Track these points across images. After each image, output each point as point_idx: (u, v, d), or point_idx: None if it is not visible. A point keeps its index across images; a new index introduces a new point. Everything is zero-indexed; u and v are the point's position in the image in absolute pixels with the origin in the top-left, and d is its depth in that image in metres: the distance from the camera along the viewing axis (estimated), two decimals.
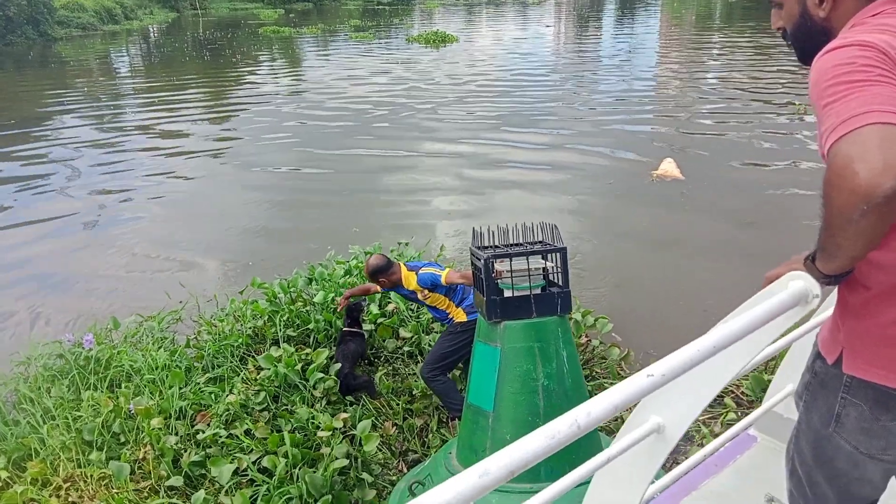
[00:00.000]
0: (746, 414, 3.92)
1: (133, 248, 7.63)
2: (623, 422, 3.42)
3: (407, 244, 5.77)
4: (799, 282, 1.19)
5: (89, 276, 6.93)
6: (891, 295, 1.20)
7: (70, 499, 3.27)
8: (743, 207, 7.67)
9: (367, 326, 4.55)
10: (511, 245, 2.95)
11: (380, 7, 45.34)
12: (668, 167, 9.06)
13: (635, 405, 1.22)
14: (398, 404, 4.02)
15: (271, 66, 23.96)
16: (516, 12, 42.88)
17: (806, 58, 1.32)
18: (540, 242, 2.94)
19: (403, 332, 4.58)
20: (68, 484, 3.35)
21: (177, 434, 3.62)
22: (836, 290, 1.29)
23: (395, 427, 3.82)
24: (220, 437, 3.50)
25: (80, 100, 17.99)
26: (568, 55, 23.27)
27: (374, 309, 4.67)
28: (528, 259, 2.77)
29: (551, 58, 22.50)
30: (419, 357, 4.47)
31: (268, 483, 3.14)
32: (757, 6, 33.38)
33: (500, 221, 2.98)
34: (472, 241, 2.96)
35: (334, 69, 21.29)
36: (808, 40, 1.33)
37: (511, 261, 2.74)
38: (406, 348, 4.55)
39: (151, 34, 38.33)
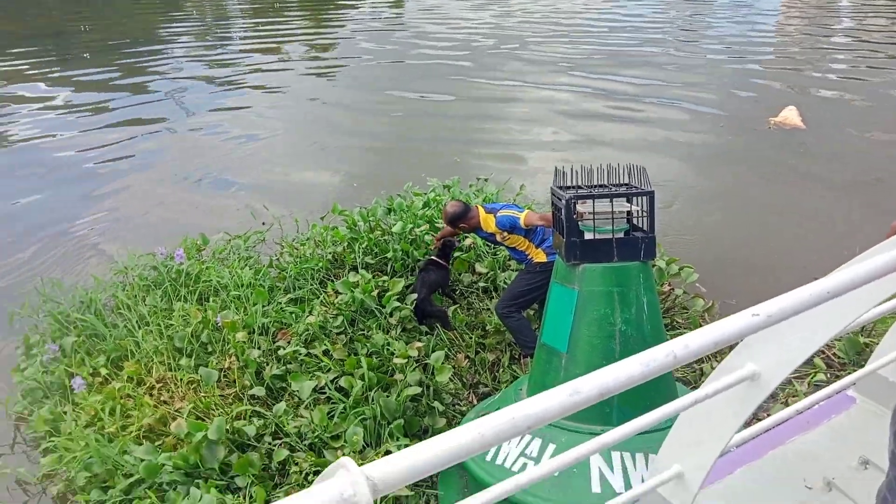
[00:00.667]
0: (837, 376, 3.81)
1: (221, 169, 8.00)
2: (703, 375, 3.38)
3: (486, 180, 5.74)
4: None
5: (179, 195, 7.35)
6: None
7: (161, 398, 3.57)
8: (861, 169, 7.14)
9: None
10: (595, 186, 2.89)
11: None
12: (790, 114, 8.54)
13: (733, 346, 1.18)
14: (471, 338, 4.11)
15: None
16: None
17: None
18: (626, 185, 2.88)
19: (479, 268, 4.63)
20: (160, 385, 3.65)
21: (259, 348, 3.85)
22: None
23: (467, 360, 3.93)
24: (300, 354, 3.71)
25: (189, 21, 18.76)
26: None
27: None
28: (612, 201, 2.72)
29: None
30: (494, 293, 4.53)
31: (344, 402, 3.31)
32: None
33: (590, 162, 2.91)
34: (554, 180, 2.92)
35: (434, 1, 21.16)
36: None
37: (594, 202, 2.71)
38: (481, 284, 4.61)
39: None
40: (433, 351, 3.84)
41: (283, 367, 3.68)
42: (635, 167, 2.82)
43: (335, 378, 3.52)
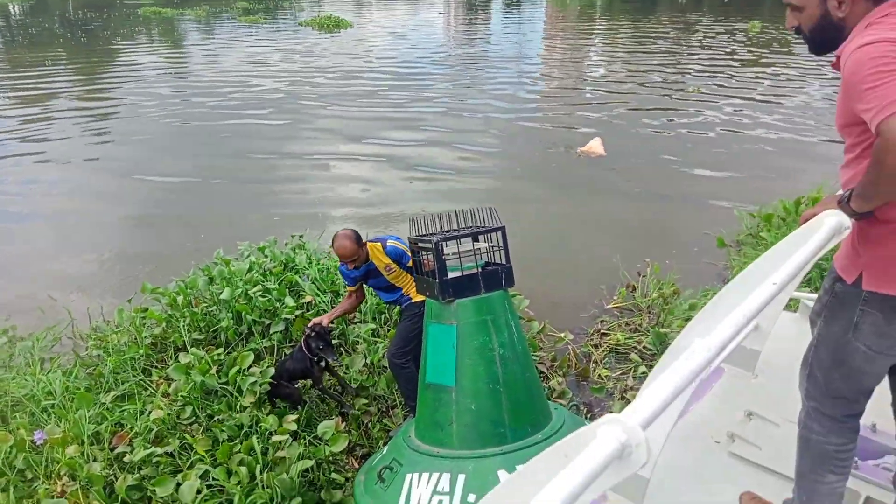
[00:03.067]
0: (651, 366, 4.50)
1: None
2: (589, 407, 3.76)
3: (301, 237, 5.80)
4: (834, 218, 1.66)
5: None
6: None
7: None
8: (654, 186, 8.54)
9: (284, 317, 4.56)
10: (448, 231, 3.21)
11: None
12: (594, 144, 9.92)
13: None
14: (333, 404, 4.14)
15: (151, 49, 22.42)
16: None
17: (819, 49, 1.79)
18: (475, 226, 3.24)
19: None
20: None
21: (96, 461, 3.50)
22: None
23: (343, 423, 3.94)
24: (155, 454, 3.45)
25: None
26: (460, 43, 23.39)
27: (290, 301, 4.66)
28: (473, 240, 3.06)
29: (445, 46, 22.55)
30: (343, 349, 4.58)
31: (236, 492, 3.15)
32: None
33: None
34: (410, 230, 3.21)
35: (219, 55, 20.27)
36: (824, 35, 1.76)
37: (458, 243, 3.02)
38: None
39: (12, 13, 34.66)
40: (302, 421, 3.82)
41: (138, 475, 3.39)
42: (482, 208, 3.20)
43: (205, 472, 3.34)
